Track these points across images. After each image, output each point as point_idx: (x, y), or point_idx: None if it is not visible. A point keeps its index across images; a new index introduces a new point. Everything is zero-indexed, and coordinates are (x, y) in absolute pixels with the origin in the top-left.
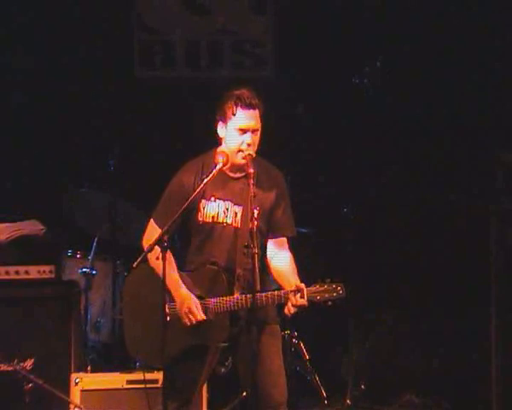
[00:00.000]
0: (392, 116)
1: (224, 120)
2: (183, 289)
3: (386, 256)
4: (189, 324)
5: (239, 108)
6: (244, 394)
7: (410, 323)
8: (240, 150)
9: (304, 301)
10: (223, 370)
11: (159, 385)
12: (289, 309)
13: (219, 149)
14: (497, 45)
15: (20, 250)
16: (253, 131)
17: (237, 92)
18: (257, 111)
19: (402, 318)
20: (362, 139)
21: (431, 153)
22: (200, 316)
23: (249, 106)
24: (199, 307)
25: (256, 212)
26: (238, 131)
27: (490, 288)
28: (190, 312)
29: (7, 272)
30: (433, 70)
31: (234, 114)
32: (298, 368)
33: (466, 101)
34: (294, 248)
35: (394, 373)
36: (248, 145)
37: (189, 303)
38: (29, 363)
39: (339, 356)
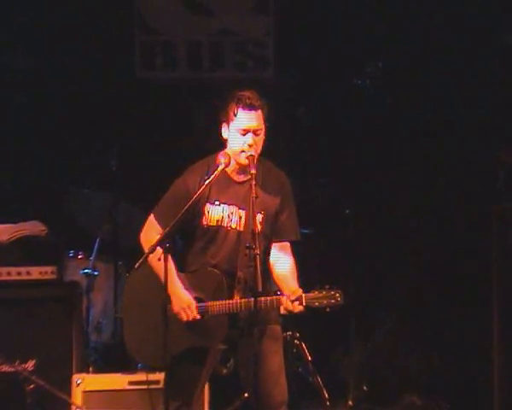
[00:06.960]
0: (392, 116)
1: (227, 122)
2: (181, 290)
3: (386, 256)
4: (185, 318)
5: (240, 108)
6: (246, 395)
7: (410, 323)
8: (242, 151)
9: (301, 308)
10: (224, 371)
11: (160, 386)
12: (286, 310)
13: (223, 151)
14: (497, 45)
15: (22, 251)
16: (255, 131)
17: (239, 94)
18: (259, 112)
19: (403, 318)
20: (363, 139)
21: (431, 153)
22: (194, 315)
23: (250, 107)
24: (193, 307)
25: (261, 216)
26: (239, 132)
27: (490, 288)
28: (188, 308)
29: (8, 273)
30: (434, 70)
31: (235, 115)
32: (300, 369)
33: (466, 101)
34: (295, 248)
35: (396, 374)
36: (250, 146)
37: (185, 303)
38: (31, 364)
39: (340, 357)
